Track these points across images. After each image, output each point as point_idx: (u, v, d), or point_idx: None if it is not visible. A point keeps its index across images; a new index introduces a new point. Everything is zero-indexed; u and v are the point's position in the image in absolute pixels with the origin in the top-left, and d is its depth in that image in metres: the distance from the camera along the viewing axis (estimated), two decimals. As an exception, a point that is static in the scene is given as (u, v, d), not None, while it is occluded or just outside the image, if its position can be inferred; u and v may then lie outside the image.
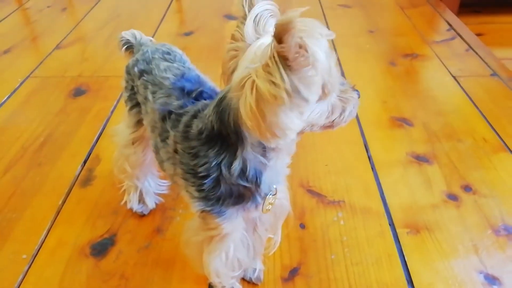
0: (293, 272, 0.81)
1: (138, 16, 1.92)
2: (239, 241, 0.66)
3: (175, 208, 0.94)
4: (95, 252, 0.85)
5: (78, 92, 1.36)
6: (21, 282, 0.79)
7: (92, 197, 0.97)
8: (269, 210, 0.62)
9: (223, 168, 0.55)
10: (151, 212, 0.93)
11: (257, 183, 0.56)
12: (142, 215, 0.92)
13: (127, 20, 1.88)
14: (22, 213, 0.93)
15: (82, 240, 0.87)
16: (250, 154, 0.53)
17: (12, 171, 1.05)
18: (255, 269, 0.79)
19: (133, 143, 0.81)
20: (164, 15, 1.89)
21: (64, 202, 0.96)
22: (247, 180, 0.55)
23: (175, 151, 0.60)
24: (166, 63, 0.71)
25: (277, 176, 0.60)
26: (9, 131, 1.19)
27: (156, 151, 0.67)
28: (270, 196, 0.60)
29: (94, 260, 0.83)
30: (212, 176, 0.56)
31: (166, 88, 0.67)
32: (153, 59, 0.72)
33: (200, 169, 0.56)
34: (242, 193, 0.58)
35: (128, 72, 0.76)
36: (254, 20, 0.52)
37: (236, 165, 0.54)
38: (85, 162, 1.07)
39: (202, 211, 0.60)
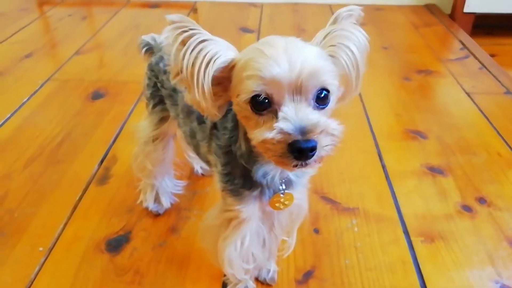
0: (307, 275, 0.80)
1: (155, 28, 1.93)
2: (255, 232, 0.67)
3: (190, 209, 0.94)
4: (110, 248, 0.85)
5: (96, 96, 1.38)
6: (38, 273, 0.80)
7: (108, 195, 0.98)
8: (279, 208, 0.63)
9: (232, 144, 0.58)
10: (166, 211, 0.93)
11: (254, 171, 0.58)
12: (157, 214, 0.93)
13: (145, 31, 1.87)
14: (39, 208, 0.94)
15: (98, 235, 0.88)
16: (244, 139, 0.56)
17: (31, 168, 1.07)
18: (269, 270, 0.79)
19: (153, 140, 0.83)
20: (182, 27, 1.93)
21: (80, 198, 0.97)
22: (245, 163, 0.58)
23: (213, 127, 0.62)
24: None
25: (282, 178, 0.60)
26: (28, 130, 1.21)
27: (192, 135, 0.69)
28: (281, 194, 0.61)
29: (109, 256, 0.83)
30: (227, 150, 0.59)
31: None
32: None
33: (221, 141, 0.60)
34: (251, 179, 0.59)
35: (151, 69, 0.78)
36: None
37: (238, 145, 0.57)
38: (102, 161, 1.08)
39: (223, 190, 0.62)
